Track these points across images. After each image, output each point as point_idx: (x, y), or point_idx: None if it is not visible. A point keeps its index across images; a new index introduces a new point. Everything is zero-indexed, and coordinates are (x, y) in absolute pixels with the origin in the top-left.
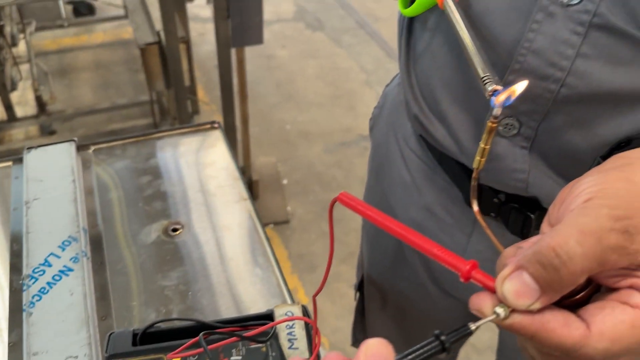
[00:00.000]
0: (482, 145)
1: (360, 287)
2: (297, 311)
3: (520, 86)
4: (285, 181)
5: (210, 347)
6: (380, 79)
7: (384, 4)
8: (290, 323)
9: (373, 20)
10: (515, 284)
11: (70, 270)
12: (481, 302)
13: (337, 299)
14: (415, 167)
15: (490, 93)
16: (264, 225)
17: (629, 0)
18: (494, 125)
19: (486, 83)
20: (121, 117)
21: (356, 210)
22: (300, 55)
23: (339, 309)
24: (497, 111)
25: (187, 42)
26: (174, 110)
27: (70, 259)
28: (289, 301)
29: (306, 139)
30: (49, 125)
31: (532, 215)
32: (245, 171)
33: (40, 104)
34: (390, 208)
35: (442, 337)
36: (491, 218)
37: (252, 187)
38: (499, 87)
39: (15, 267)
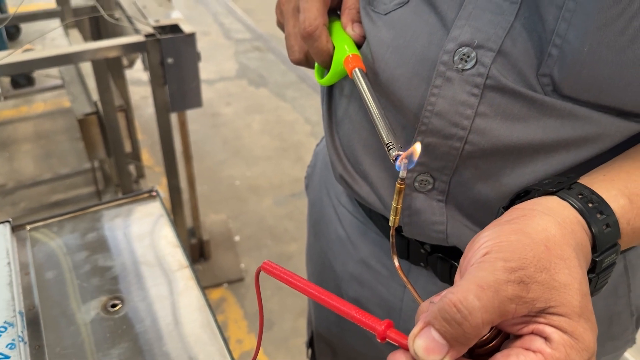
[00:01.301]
0: (394, 204)
1: (311, 343)
2: None
3: (418, 147)
4: (237, 238)
5: None
6: None
7: None
8: None
9: (313, 74)
10: (424, 341)
11: (7, 357)
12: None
13: (297, 355)
14: (349, 223)
15: (394, 158)
16: (218, 285)
17: (517, 63)
18: (402, 186)
19: (390, 149)
20: (64, 186)
21: (279, 278)
22: (246, 111)
23: None
24: (402, 174)
25: (125, 109)
26: (117, 177)
27: (7, 346)
28: None
29: (256, 193)
30: None
31: (456, 264)
32: (195, 232)
33: None
34: (329, 263)
35: None
36: (421, 268)
37: (203, 247)
38: (401, 152)
39: None
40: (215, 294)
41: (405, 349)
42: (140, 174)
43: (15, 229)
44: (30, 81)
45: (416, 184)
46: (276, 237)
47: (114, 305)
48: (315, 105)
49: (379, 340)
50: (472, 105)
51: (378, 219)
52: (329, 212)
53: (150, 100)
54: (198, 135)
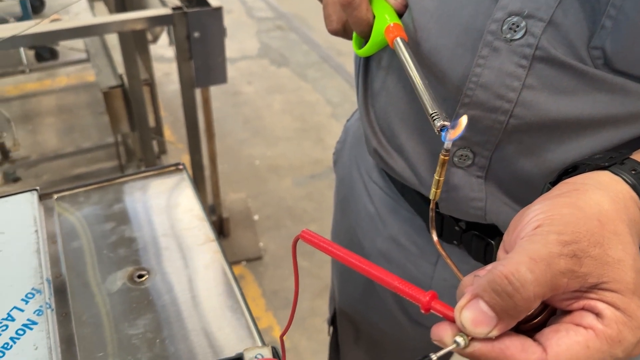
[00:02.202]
0: (436, 177)
1: (333, 321)
2: (266, 353)
3: (464, 120)
4: (256, 217)
5: None
6: (346, 111)
7: None
8: None
9: (336, 55)
10: (472, 313)
11: (34, 323)
12: (441, 332)
13: (313, 335)
14: (379, 199)
15: (439, 129)
16: (237, 262)
17: (567, 34)
18: (446, 157)
19: (435, 119)
20: (86, 160)
21: (318, 247)
22: (267, 91)
23: (315, 345)
24: (447, 145)
25: (150, 84)
26: (140, 152)
27: (34, 312)
28: (259, 343)
29: (276, 173)
30: (12, 172)
31: (492, 242)
32: (215, 209)
33: (3, 151)
34: (357, 240)
35: None
36: (454, 246)
37: (223, 225)
38: (447, 123)
39: None
40: (234, 271)
41: (451, 320)
42: (162, 150)
43: (42, 197)
44: (54, 55)
45: (455, 159)
46: (295, 218)
47: (140, 276)
48: (337, 87)
49: (422, 312)
50: (520, 77)
51: (411, 195)
52: (359, 188)
53: (172, 77)
54: (219, 114)
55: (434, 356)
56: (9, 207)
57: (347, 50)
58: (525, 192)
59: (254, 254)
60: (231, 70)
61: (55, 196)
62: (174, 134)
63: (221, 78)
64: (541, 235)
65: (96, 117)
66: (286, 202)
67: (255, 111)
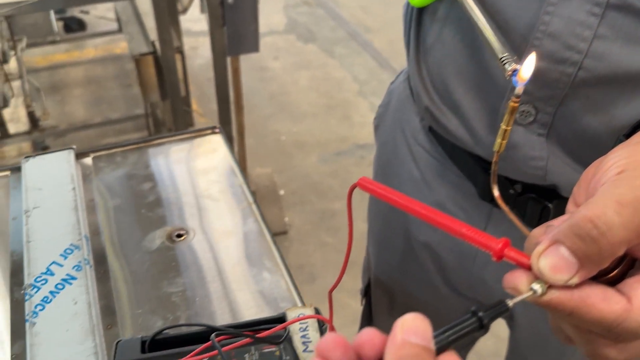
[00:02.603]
0: (503, 126)
1: (366, 291)
2: (309, 314)
3: (533, 58)
4: (282, 192)
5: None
6: (374, 89)
7: (374, 15)
8: (304, 326)
9: (364, 31)
10: (552, 259)
11: (74, 278)
12: (516, 279)
13: (339, 310)
14: (425, 163)
15: (510, 72)
16: None
17: None
18: (515, 104)
19: (505, 63)
20: (114, 131)
21: (377, 194)
22: (293, 67)
23: (340, 320)
24: (518, 90)
25: (181, 52)
26: (170, 121)
27: (73, 267)
28: (299, 304)
29: (301, 149)
30: (41, 141)
31: (550, 205)
32: None
33: (33, 120)
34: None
35: (480, 314)
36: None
37: None
38: (519, 66)
39: (16, 277)
40: None
41: (526, 268)
42: (190, 122)
43: (78, 156)
44: (82, 26)
45: (516, 116)
46: (320, 194)
47: (179, 235)
48: (364, 64)
49: (494, 260)
50: (591, 25)
51: (461, 157)
52: (403, 152)
53: (199, 52)
54: (245, 89)
55: (510, 302)
56: (46, 165)
57: (375, 27)
58: (588, 152)
59: (279, 228)
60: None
61: (92, 155)
62: (200, 108)
63: (253, 46)
64: (627, 179)
65: (124, 89)
66: (311, 178)
67: (282, 87)
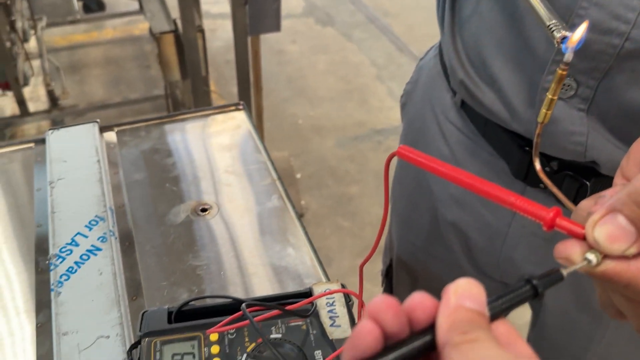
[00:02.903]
0: (549, 96)
1: (387, 272)
2: (336, 288)
3: (584, 27)
4: (298, 175)
5: (246, 322)
6: (392, 74)
7: None
8: (331, 300)
9: (383, 15)
10: (608, 228)
11: (99, 249)
12: (569, 249)
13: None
14: (456, 141)
15: (560, 40)
16: None
17: None
18: (564, 73)
19: (553, 30)
20: (133, 112)
21: (417, 163)
22: (311, 51)
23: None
24: (568, 57)
25: (202, 31)
26: (189, 102)
27: (98, 239)
28: (323, 279)
29: (318, 133)
30: (61, 120)
31: (587, 183)
32: None
33: (52, 98)
34: (426, 185)
35: (534, 282)
36: (539, 190)
37: None
38: (568, 33)
39: (40, 247)
40: None
41: (579, 238)
42: (208, 103)
43: (102, 130)
44: (101, 6)
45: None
46: (337, 178)
47: (203, 210)
48: (382, 48)
49: (544, 230)
50: None
51: (495, 134)
52: (432, 130)
53: (217, 34)
54: (263, 72)
55: (564, 271)
56: (70, 137)
57: (394, 12)
58: (631, 127)
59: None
60: None
61: (116, 129)
62: (217, 89)
63: (275, 26)
64: None
65: (142, 70)
66: (328, 162)
67: (299, 70)
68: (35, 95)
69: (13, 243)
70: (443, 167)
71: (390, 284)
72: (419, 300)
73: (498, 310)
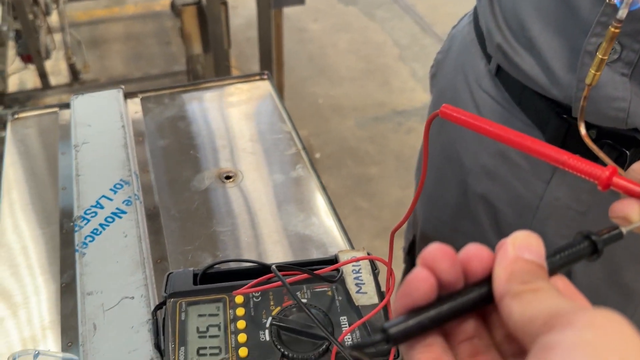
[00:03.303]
0: (599, 55)
1: (410, 249)
2: (362, 256)
3: None
4: (318, 155)
5: (273, 285)
6: (415, 54)
7: None
8: (357, 268)
9: None
10: None
11: (123, 212)
12: (626, 208)
13: None
14: (489, 110)
15: None
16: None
17: None
18: (616, 31)
19: None
20: (153, 87)
21: (462, 122)
22: (333, 29)
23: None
24: (621, 13)
25: (226, 3)
26: (211, 77)
27: (123, 202)
28: (348, 247)
29: (339, 113)
30: (82, 94)
31: (627, 152)
32: None
33: (74, 72)
34: (456, 156)
35: (593, 237)
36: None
37: None
38: None
39: (65, 209)
40: None
41: (637, 197)
42: None
43: (127, 97)
44: None
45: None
46: (357, 158)
47: (228, 177)
48: (405, 28)
49: (599, 189)
50: None
51: (531, 101)
52: (465, 99)
53: (238, 11)
54: (284, 50)
55: (623, 229)
56: (95, 103)
57: None
58: None
59: None
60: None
61: (141, 96)
62: (237, 68)
63: None
64: None
65: (163, 46)
66: (348, 143)
67: (320, 49)
68: (57, 69)
69: (38, 205)
70: (490, 125)
71: (412, 261)
72: (475, 251)
73: (557, 265)
